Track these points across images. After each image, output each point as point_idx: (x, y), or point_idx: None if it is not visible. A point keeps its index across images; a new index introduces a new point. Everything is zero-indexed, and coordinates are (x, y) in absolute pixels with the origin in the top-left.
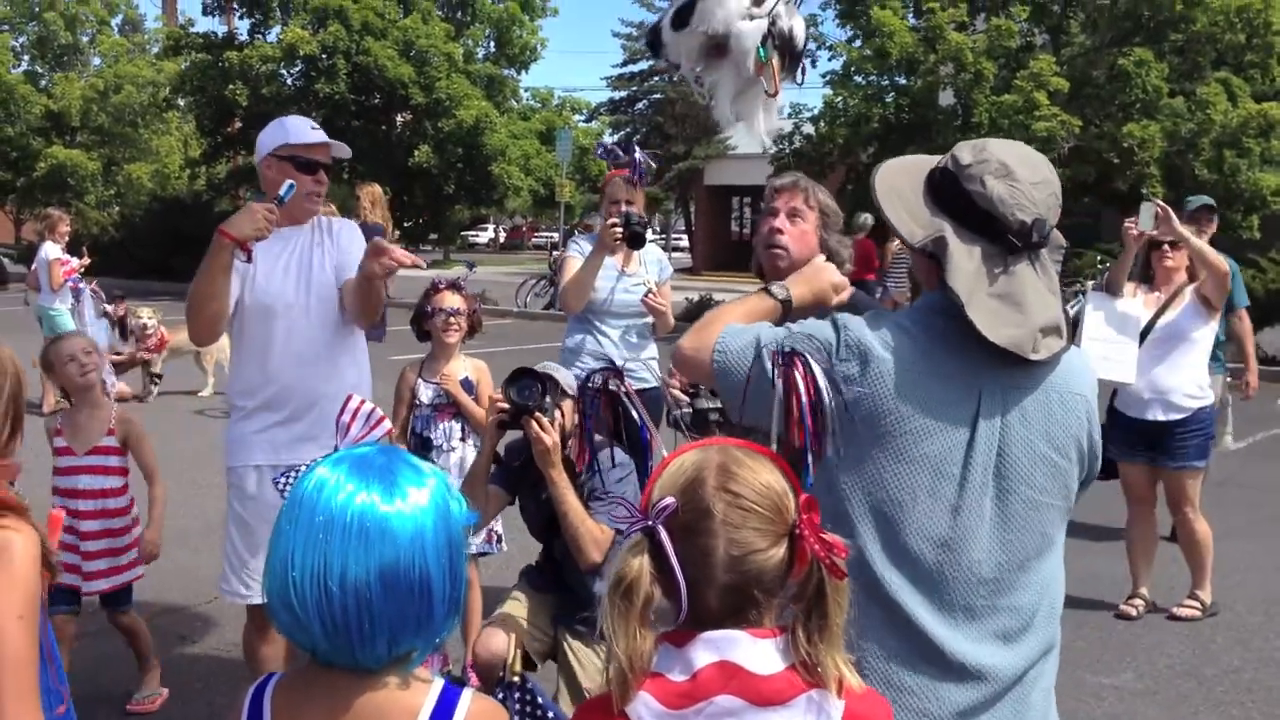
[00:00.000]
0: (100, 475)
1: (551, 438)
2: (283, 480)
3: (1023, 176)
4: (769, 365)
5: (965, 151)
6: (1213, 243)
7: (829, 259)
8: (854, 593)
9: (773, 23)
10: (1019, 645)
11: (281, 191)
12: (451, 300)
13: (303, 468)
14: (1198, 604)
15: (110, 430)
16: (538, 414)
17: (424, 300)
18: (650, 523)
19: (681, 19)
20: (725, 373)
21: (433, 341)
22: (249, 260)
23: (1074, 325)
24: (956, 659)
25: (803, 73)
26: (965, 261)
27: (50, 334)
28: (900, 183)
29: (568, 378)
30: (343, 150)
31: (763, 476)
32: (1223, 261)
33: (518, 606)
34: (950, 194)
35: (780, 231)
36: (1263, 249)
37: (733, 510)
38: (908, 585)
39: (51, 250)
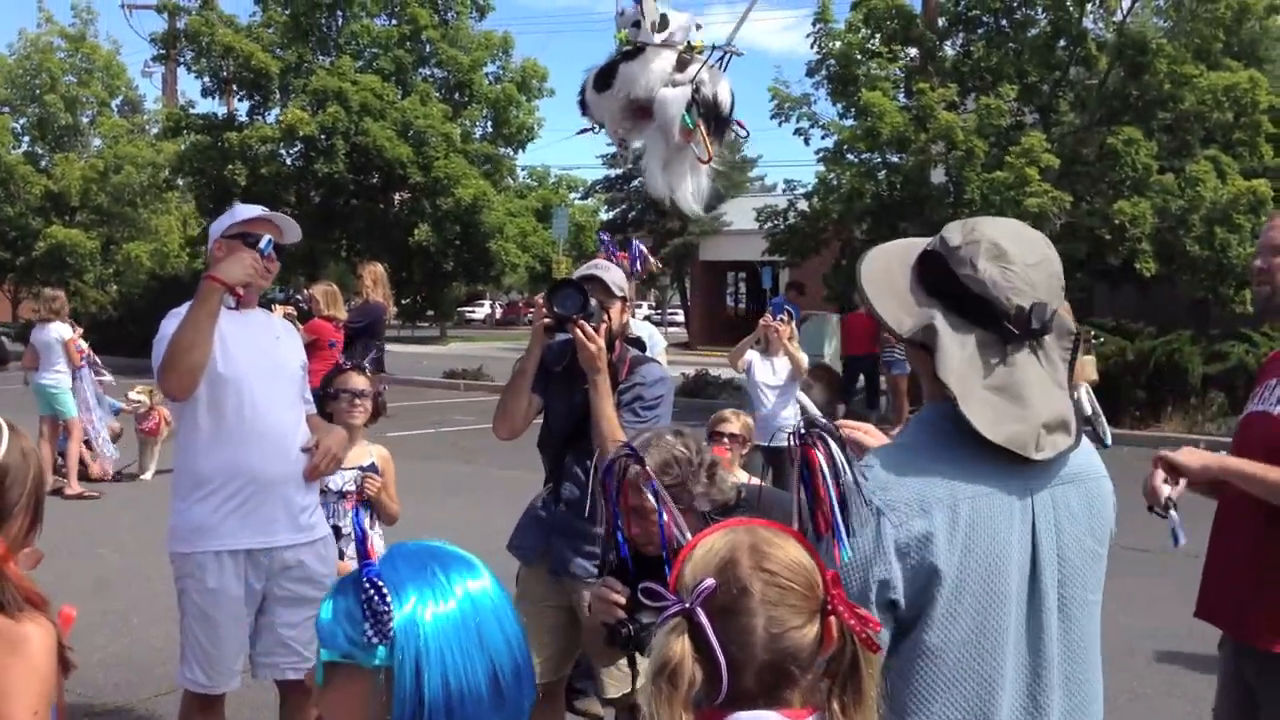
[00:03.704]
0: None
1: (596, 344)
2: (369, 629)
3: (1017, 257)
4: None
5: (954, 232)
6: (1205, 321)
7: None
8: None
9: (696, 89)
10: None
11: (261, 245)
12: (356, 381)
13: (379, 606)
14: None
15: None
16: (581, 321)
17: (326, 382)
18: (689, 605)
19: (604, 81)
20: None
21: (337, 425)
22: (238, 306)
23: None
24: None
25: (742, 127)
26: (957, 351)
27: (48, 413)
28: (888, 268)
29: (617, 278)
30: (293, 233)
31: (793, 553)
32: None
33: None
34: (940, 278)
35: None
36: (1255, 324)
37: (770, 588)
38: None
39: (64, 330)
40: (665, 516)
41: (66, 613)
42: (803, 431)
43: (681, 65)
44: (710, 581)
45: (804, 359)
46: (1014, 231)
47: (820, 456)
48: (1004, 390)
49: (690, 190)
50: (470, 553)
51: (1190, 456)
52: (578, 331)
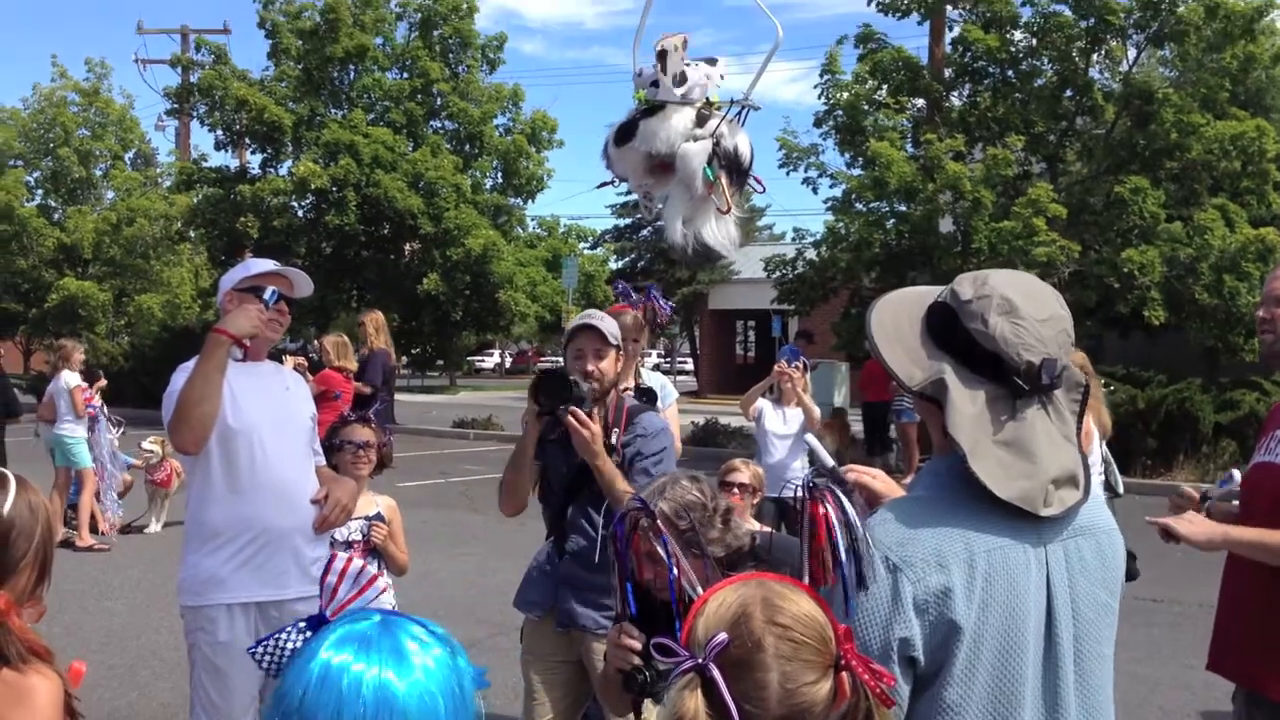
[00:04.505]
0: None
1: (590, 429)
2: (260, 651)
3: (1028, 313)
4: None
5: (965, 285)
6: (1215, 369)
7: None
8: None
9: (717, 142)
10: None
11: (266, 295)
12: (361, 433)
13: (286, 641)
14: None
15: None
16: (573, 408)
17: (332, 433)
18: (702, 661)
19: (625, 135)
20: None
21: (343, 476)
22: (245, 358)
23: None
24: None
25: (759, 183)
26: (967, 406)
27: (63, 464)
28: (898, 319)
29: (612, 327)
30: (305, 287)
31: (805, 607)
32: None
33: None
34: (950, 332)
35: None
36: (1265, 372)
37: (783, 642)
38: None
39: (71, 379)
40: (675, 571)
41: (77, 668)
42: (811, 484)
43: (701, 121)
44: (723, 636)
45: (817, 412)
46: (1025, 286)
47: (830, 510)
48: (1013, 445)
49: (721, 237)
50: (467, 606)
51: (1194, 529)
52: (571, 420)
